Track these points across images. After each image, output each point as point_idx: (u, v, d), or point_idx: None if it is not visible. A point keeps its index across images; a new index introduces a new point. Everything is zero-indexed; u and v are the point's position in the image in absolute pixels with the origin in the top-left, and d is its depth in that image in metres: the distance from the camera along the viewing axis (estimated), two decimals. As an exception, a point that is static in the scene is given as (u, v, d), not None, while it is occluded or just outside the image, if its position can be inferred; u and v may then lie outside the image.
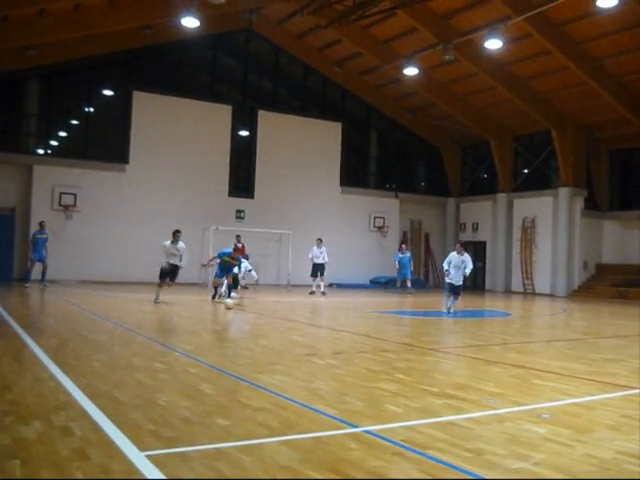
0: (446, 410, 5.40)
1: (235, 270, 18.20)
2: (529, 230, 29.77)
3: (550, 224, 28.84)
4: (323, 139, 30.11)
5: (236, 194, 27.81)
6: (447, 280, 16.23)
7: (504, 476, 3.77)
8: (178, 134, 26.27)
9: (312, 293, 22.46)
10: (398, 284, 25.90)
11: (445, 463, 3.94)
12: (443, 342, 10.45)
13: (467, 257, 16.18)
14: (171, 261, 16.84)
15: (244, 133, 28.71)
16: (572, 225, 28.35)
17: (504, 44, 22.05)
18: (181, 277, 24.80)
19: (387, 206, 31.77)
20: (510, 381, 6.89)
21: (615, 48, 23.06)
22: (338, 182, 30.60)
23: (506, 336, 11.78)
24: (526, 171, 31.67)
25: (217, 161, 27.34)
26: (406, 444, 4.31)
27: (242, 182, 28.19)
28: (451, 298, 16.07)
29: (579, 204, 28.58)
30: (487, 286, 31.94)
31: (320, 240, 23.18)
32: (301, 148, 29.27)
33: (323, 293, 22.51)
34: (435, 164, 34.58)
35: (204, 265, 21.11)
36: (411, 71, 25.11)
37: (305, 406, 5.37)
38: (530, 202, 29.89)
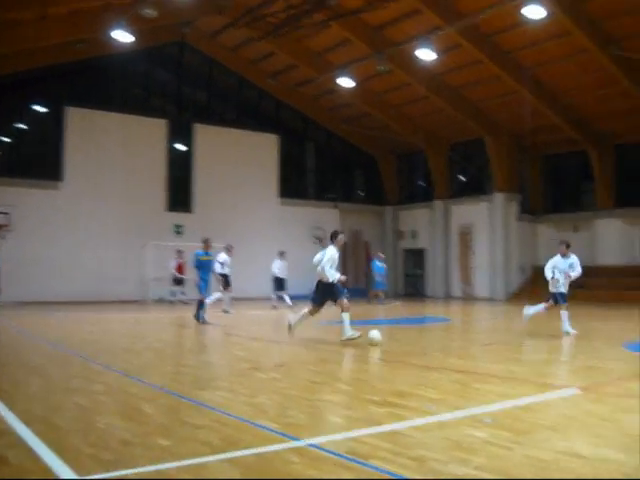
0: (388, 419, 5.41)
1: (218, 268, 17.97)
2: (466, 236, 30.27)
3: (487, 229, 29.42)
4: (260, 151, 30.10)
5: (174, 209, 27.52)
6: (554, 290, 12.95)
7: (446, 482, 3.79)
8: (113, 150, 25.87)
9: (275, 307, 21.58)
10: (382, 295, 25.05)
11: (387, 472, 3.94)
12: (385, 350, 10.49)
13: (575, 258, 13.32)
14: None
15: (180, 147, 28.44)
16: (508, 230, 28.96)
17: (436, 54, 22.46)
18: (119, 294, 24.62)
19: (326, 216, 31.88)
20: (451, 386, 6.95)
21: (543, 57, 23.70)
22: (276, 194, 30.61)
23: (446, 341, 11.94)
24: (462, 178, 32.25)
25: (153, 176, 27.01)
26: (349, 455, 4.29)
27: (180, 196, 27.90)
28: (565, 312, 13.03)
29: (514, 209, 29.26)
30: (427, 292, 32.33)
31: (283, 252, 22.73)
32: (238, 161, 29.16)
33: (274, 307, 21.61)
34: (372, 173, 34.95)
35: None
36: (346, 82, 25.35)
37: (247, 421, 5.31)
38: (467, 209, 30.45)
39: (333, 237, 11.61)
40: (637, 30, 21.45)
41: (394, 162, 34.83)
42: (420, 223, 32.75)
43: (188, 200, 28.03)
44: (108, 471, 4.03)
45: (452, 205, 31.30)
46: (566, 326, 12.68)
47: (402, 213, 34.20)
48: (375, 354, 9.81)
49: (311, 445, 4.58)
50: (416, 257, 33.32)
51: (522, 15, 19.58)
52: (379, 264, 25.32)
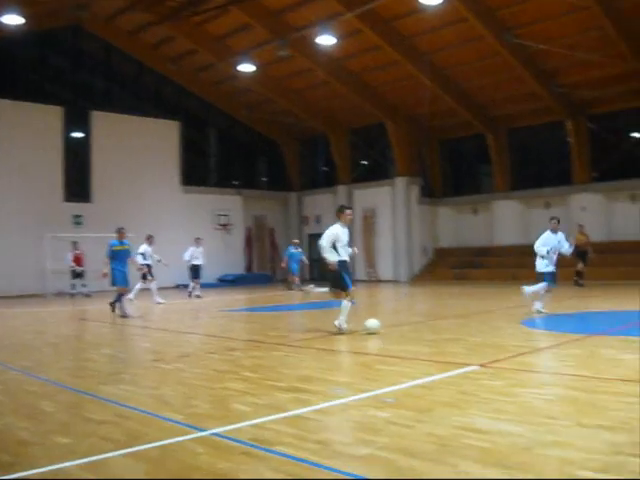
0: (293, 404, 5.44)
1: (140, 259, 17.51)
2: (370, 220, 30.70)
3: (389, 213, 29.93)
4: (161, 138, 29.48)
5: (72, 199, 26.60)
6: (547, 269, 12.51)
7: (350, 463, 3.85)
8: (4, 138, 24.72)
9: (198, 297, 21.10)
10: (297, 280, 24.61)
11: (293, 457, 3.96)
12: (290, 336, 10.54)
13: (561, 234, 12.84)
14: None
15: (77, 135, 27.50)
16: (410, 213, 29.56)
17: (337, 39, 22.58)
18: (17, 288, 23.70)
19: (230, 203, 31.65)
20: (356, 369, 7.07)
21: (440, 43, 24.20)
22: (178, 181, 30.12)
23: (351, 324, 12.07)
24: (364, 163, 32.65)
25: (49, 165, 25.97)
26: (254, 442, 4.29)
27: (78, 186, 26.97)
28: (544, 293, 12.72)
29: (415, 192, 29.87)
30: (334, 277, 32.59)
31: (199, 239, 22.18)
32: (139, 148, 28.45)
33: (198, 296, 21.13)
34: (276, 159, 34.87)
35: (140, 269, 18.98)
36: (247, 67, 25.13)
37: (151, 414, 5.23)
38: (369, 193, 30.86)
39: (338, 212, 10.67)
40: (530, 18, 22.21)
41: (297, 148, 34.89)
42: (324, 208, 32.90)
43: (87, 190, 27.13)
44: (6, 473, 3.88)
45: (355, 189, 31.64)
46: (540, 304, 12.58)
47: (306, 198, 34.34)
48: (282, 340, 9.83)
49: (216, 434, 4.56)
50: (322, 242, 33.59)
51: (420, 2, 19.88)
52: (294, 250, 25.15)
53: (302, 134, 33.83)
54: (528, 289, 12.77)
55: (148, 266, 18.54)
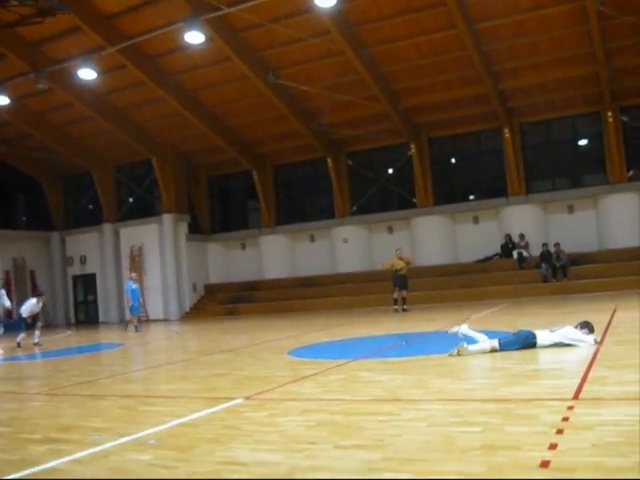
0: (48, 456, 5.07)
1: None
2: (137, 258, 30.01)
3: (157, 250, 29.50)
4: None
5: None
6: None
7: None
8: None
9: None
10: (135, 321, 22.13)
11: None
12: (50, 383, 9.92)
13: None
14: None
15: None
16: (178, 250, 29.36)
17: (100, 74, 22.08)
18: None
19: (-15, 244, 29.39)
20: (118, 413, 6.78)
21: (205, 80, 24.56)
22: None
23: (117, 367, 11.65)
24: (130, 200, 31.96)
25: None
26: (-1, 501, 3.96)
27: None
28: None
29: (183, 229, 29.78)
30: (101, 318, 31.39)
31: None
32: None
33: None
34: (37, 197, 33.02)
35: None
36: (1, 100, 23.66)
37: None
38: (136, 230, 30.22)
39: None
40: (291, 61, 23.30)
41: (60, 185, 33.37)
42: (89, 247, 31.71)
43: None
44: None
45: (122, 227, 30.84)
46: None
47: (70, 238, 32.80)
48: (42, 389, 9.21)
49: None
50: (87, 283, 32.18)
51: (184, 40, 20.03)
52: (134, 286, 22.44)
53: (66, 171, 32.42)
54: None
55: None
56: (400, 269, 20.65)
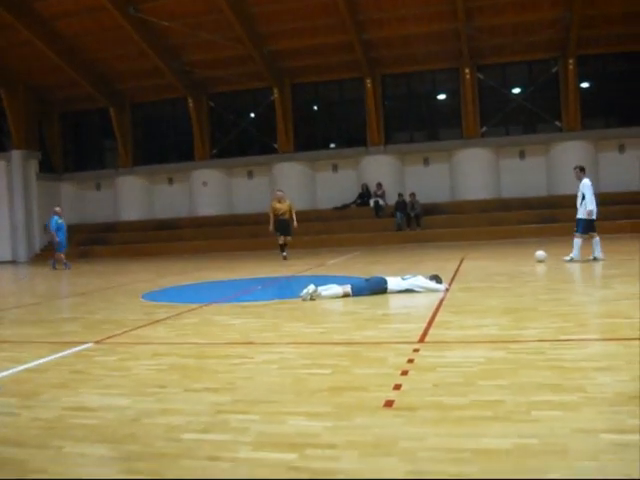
0: None
1: None
2: (-18, 197, 28.34)
3: (5, 187, 27.92)
4: None
5: None
6: (589, 217, 12.69)
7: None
8: None
9: None
10: (63, 257, 20.51)
11: None
12: None
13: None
14: None
15: None
16: (28, 188, 27.95)
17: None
18: None
19: None
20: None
21: (61, 8, 23.15)
22: None
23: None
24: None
25: None
26: None
27: None
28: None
29: (34, 167, 28.34)
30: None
31: None
32: None
33: None
34: None
35: None
36: None
37: None
38: (-17, 167, 28.42)
39: None
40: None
41: None
42: None
43: None
44: None
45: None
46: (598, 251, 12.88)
47: None
48: None
49: None
50: None
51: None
52: (59, 221, 20.58)
53: None
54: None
55: None
56: (282, 213, 19.11)
